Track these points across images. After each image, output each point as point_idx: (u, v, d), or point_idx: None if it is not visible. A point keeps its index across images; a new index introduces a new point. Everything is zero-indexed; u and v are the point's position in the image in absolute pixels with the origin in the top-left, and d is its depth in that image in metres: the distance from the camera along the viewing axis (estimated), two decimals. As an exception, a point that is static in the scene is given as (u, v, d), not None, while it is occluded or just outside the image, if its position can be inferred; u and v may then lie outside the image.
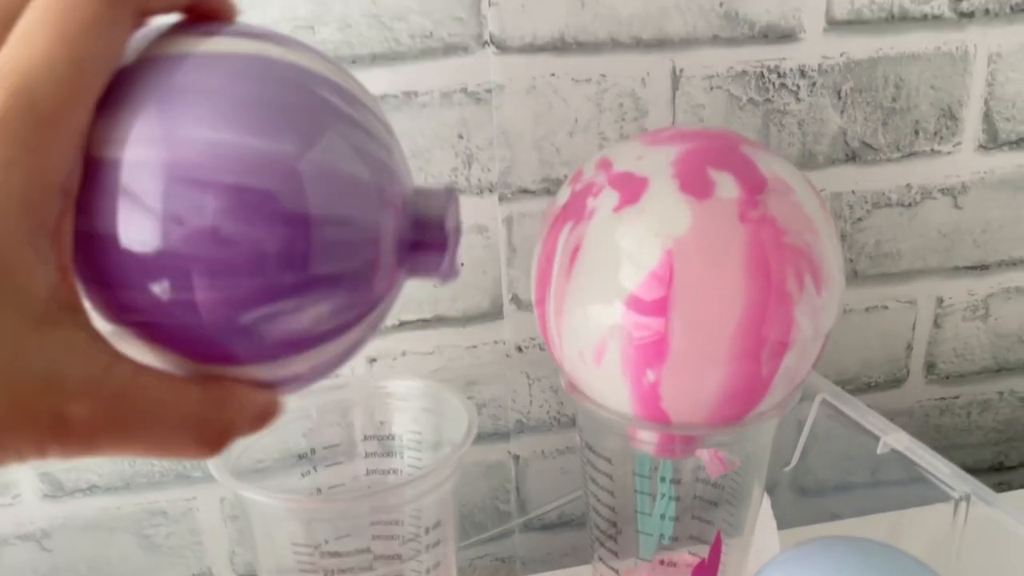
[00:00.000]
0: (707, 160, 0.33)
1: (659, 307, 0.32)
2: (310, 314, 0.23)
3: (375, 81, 0.49)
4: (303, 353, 0.23)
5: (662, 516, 0.41)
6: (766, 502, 0.44)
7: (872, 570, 0.33)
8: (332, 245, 0.22)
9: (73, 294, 0.21)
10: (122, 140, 0.21)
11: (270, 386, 0.24)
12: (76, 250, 0.21)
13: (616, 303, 0.33)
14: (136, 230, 0.21)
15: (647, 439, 0.37)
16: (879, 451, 0.40)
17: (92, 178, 0.21)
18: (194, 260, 0.21)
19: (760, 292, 0.31)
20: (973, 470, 0.68)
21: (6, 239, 0.19)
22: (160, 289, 0.21)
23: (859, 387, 0.64)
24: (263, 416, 0.24)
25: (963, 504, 0.37)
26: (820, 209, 0.34)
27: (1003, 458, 0.69)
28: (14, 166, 0.19)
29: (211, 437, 0.22)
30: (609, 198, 0.34)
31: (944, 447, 0.67)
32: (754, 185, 0.33)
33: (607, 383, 0.35)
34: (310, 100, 0.23)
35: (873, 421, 0.42)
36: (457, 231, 0.27)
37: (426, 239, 0.25)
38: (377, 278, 0.24)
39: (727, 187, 0.32)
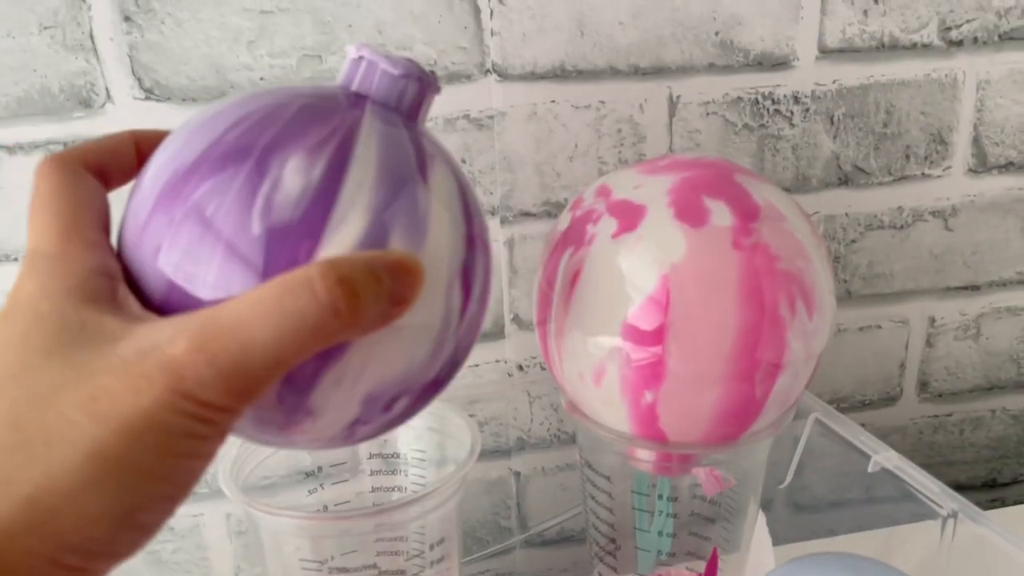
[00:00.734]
0: (702, 189, 0.35)
1: (656, 331, 0.33)
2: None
3: (380, 108, 0.50)
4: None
5: (660, 532, 0.42)
6: (761, 519, 0.45)
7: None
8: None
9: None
10: None
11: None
12: None
13: (615, 327, 0.34)
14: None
15: (645, 457, 0.38)
16: (870, 469, 0.41)
17: None
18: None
19: (754, 316, 0.33)
20: (966, 487, 0.70)
21: None
22: None
23: (853, 405, 0.65)
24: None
25: (951, 521, 0.38)
26: (812, 235, 0.36)
27: (996, 475, 0.70)
28: None
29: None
30: (608, 225, 0.35)
31: (938, 464, 0.68)
32: (747, 213, 0.34)
33: (606, 404, 0.36)
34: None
35: (864, 440, 0.43)
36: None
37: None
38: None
39: (721, 215, 0.34)
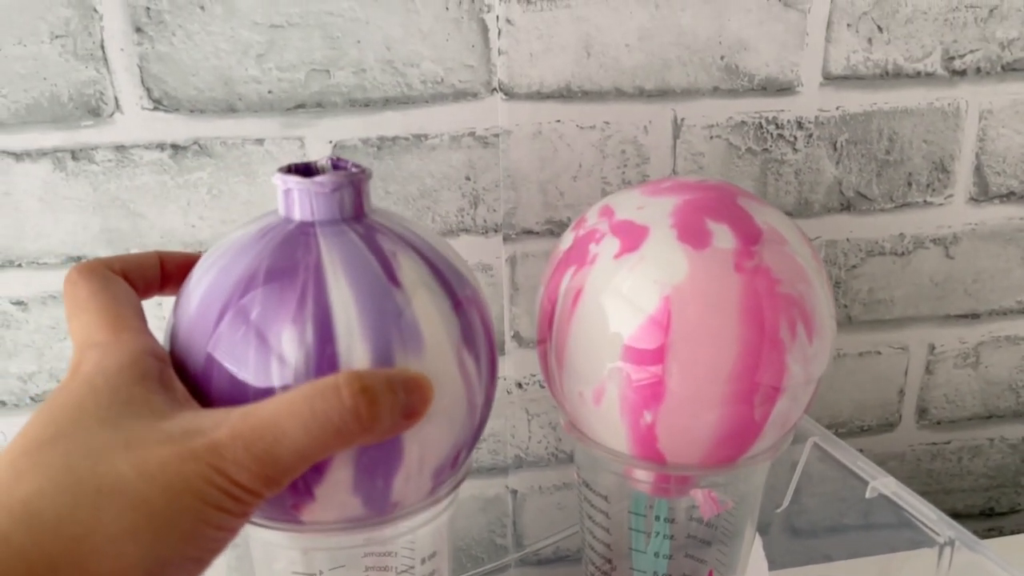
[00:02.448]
0: (705, 211, 0.35)
1: (657, 351, 0.33)
2: None
3: (387, 124, 0.51)
4: None
5: (656, 554, 0.42)
6: (758, 542, 0.45)
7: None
8: None
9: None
10: None
11: None
12: None
13: (615, 346, 0.34)
14: None
15: (643, 478, 0.38)
16: (867, 495, 0.41)
17: None
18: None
19: (754, 339, 0.33)
20: (964, 515, 0.69)
21: None
22: None
23: (852, 430, 0.65)
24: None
25: (947, 549, 0.38)
26: (813, 259, 0.36)
27: (994, 504, 0.70)
28: None
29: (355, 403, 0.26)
30: (610, 245, 0.35)
31: (936, 492, 0.68)
32: (749, 236, 0.34)
33: (605, 423, 0.36)
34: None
35: (862, 466, 0.43)
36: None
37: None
38: None
39: (724, 238, 0.34)
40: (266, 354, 0.29)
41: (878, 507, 0.43)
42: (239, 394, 0.29)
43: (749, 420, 0.34)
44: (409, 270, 0.31)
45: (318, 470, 0.30)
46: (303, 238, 0.31)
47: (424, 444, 0.31)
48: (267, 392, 0.29)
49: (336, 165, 0.33)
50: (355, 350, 0.29)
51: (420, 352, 0.30)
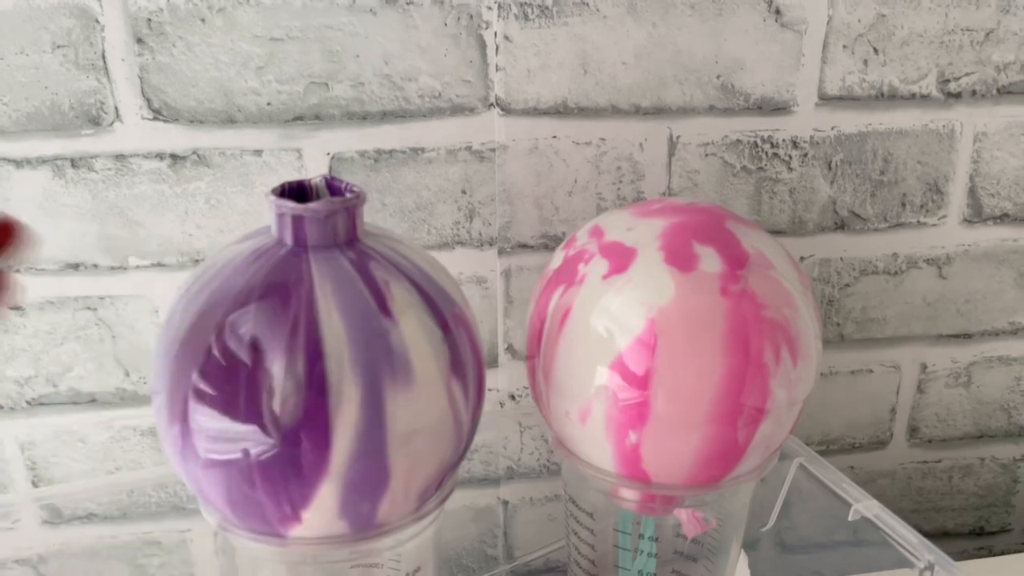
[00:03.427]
0: (693, 234, 0.35)
1: (642, 373, 0.33)
2: None
3: (384, 137, 0.51)
4: None
5: (640, 572, 0.42)
6: (743, 560, 0.45)
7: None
8: None
9: None
10: None
11: None
12: None
13: (602, 366, 0.34)
14: None
15: (629, 496, 0.38)
16: (850, 518, 0.42)
17: None
18: None
19: (738, 363, 0.33)
20: (954, 534, 0.70)
21: None
22: None
23: (843, 448, 0.65)
24: None
25: (927, 574, 0.38)
26: (799, 283, 0.36)
27: (984, 523, 0.70)
28: None
29: None
30: (599, 265, 0.36)
31: (926, 510, 0.68)
32: (736, 260, 0.35)
33: (591, 442, 0.36)
34: None
35: (846, 488, 0.43)
36: None
37: None
38: None
39: (710, 261, 0.34)
40: (258, 383, 0.29)
41: (863, 527, 0.43)
42: (230, 417, 0.30)
43: (733, 442, 0.34)
44: (401, 299, 0.32)
45: (304, 495, 0.31)
46: (295, 263, 0.31)
47: (411, 469, 0.32)
48: (257, 419, 0.29)
49: (331, 184, 0.33)
50: (345, 381, 0.30)
51: (410, 385, 0.31)
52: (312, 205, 0.31)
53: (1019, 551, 0.70)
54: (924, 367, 0.64)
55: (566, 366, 0.36)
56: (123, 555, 0.58)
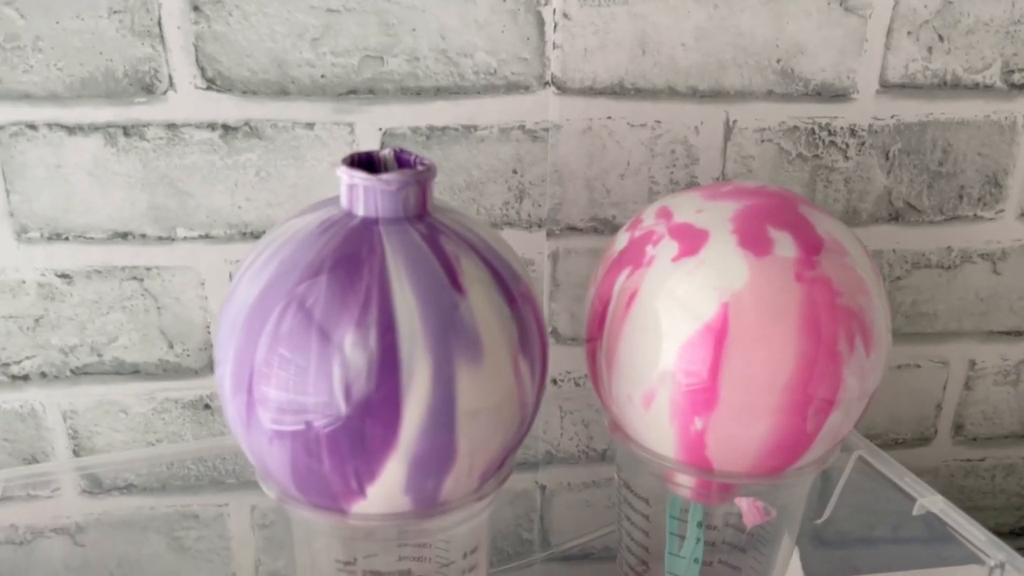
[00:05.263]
0: (766, 218, 0.34)
1: (712, 359, 0.33)
2: None
3: (438, 113, 0.51)
4: None
5: (694, 559, 0.41)
6: (796, 554, 0.44)
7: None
8: None
9: None
10: None
11: None
12: None
13: (669, 351, 0.34)
14: None
15: (685, 482, 0.38)
16: (915, 512, 0.41)
17: None
18: None
19: (811, 350, 0.32)
20: (994, 533, 0.69)
21: None
22: None
23: (887, 443, 0.64)
24: None
25: (997, 571, 0.38)
26: (872, 272, 0.35)
27: (1025, 524, 0.69)
28: None
29: None
30: (668, 248, 0.35)
31: (968, 508, 0.67)
32: (811, 245, 0.34)
33: (653, 427, 0.36)
34: None
35: (909, 482, 0.42)
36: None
37: None
38: None
39: (785, 246, 0.34)
40: (329, 355, 0.29)
41: (915, 522, 0.43)
42: (299, 389, 0.29)
43: (801, 432, 0.34)
44: (471, 274, 0.31)
45: (371, 470, 0.30)
46: (367, 235, 0.31)
47: (476, 447, 0.32)
48: (327, 391, 0.29)
49: (399, 158, 0.33)
50: (416, 356, 0.29)
51: (480, 360, 0.30)
52: (385, 176, 0.31)
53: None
54: (973, 364, 0.62)
55: (631, 349, 0.35)
56: (160, 527, 0.58)
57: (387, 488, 0.31)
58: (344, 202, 0.32)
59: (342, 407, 0.29)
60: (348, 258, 0.30)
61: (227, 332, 0.32)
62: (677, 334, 0.33)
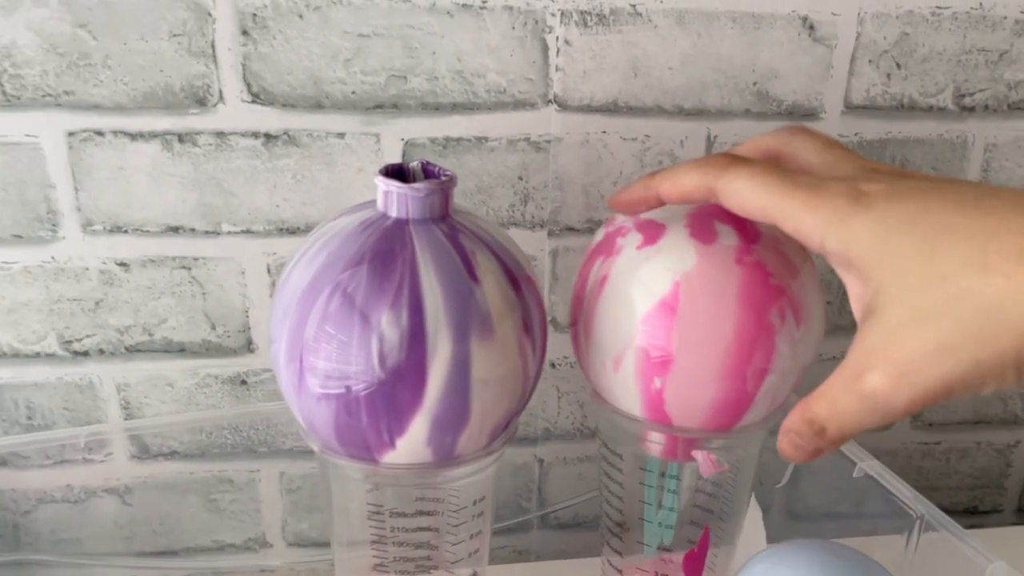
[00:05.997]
0: (714, 214, 0.41)
1: (667, 328, 0.40)
2: None
3: (453, 126, 0.58)
4: None
5: (661, 524, 0.48)
6: (758, 512, 0.51)
7: (842, 563, 0.41)
8: None
9: None
10: None
11: None
12: None
13: (633, 322, 0.40)
14: None
15: (655, 439, 0.44)
16: (855, 475, 0.48)
17: None
18: None
19: (749, 322, 0.39)
20: (949, 511, 0.75)
21: None
22: None
23: (852, 427, 0.71)
24: None
25: (918, 523, 0.44)
26: (806, 261, 0.42)
27: (978, 503, 0.75)
28: None
29: None
30: (634, 238, 0.42)
31: (924, 488, 0.74)
32: (750, 236, 0.40)
33: (622, 388, 0.42)
34: None
35: (854, 450, 0.49)
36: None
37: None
38: None
39: (728, 236, 0.40)
40: (367, 331, 0.36)
41: (867, 496, 0.49)
42: (343, 359, 0.36)
43: (742, 392, 0.40)
44: (485, 266, 0.38)
45: (401, 426, 0.37)
46: (399, 233, 0.38)
47: (486, 410, 0.39)
48: (366, 361, 0.36)
49: (425, 169, 0.40)
50: (439, 333, 0.36)
51: (491, 337, 0.37)
52: (416, 185, 0.38)
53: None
54: (930, 356, 0.69)
55: (603, 323, 0.42)
56: (199, 490, 0.65)
57: (412, 441, 0.38)
58: (380, 205, 0.39)
59: (378, 373, 0.36)
60: (384, 252, 0.37)
61: (281, 314, 0.38)
62: (639, 309, 0.40)
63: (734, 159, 0.35)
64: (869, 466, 0.48)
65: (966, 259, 0.28)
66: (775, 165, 0.35)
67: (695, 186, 0.36)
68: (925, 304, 0.29)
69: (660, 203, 0.39)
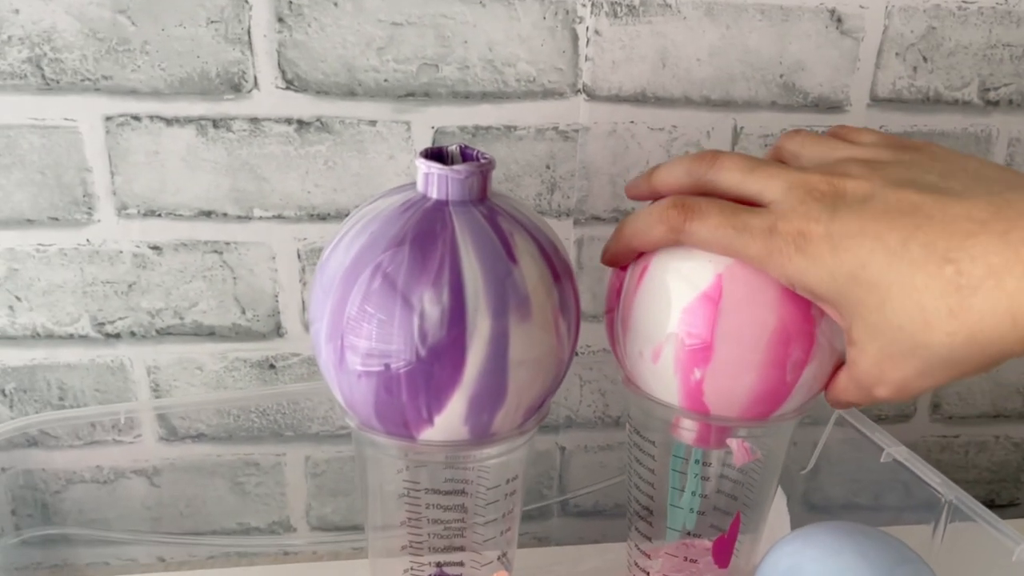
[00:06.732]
0: (757, 206, 0.42)
1: (709, 320, 0.40)
2: None
3: (483, 115, 0.58)
4: None
5: (689, 509, 0.49)
6: (782, 498, 0.52)
7: (872, 543, 0.42)
8: None
9: None
10: None
11: None
12: None
13: (674, 314, 0.41)
14: None
15: (688, 427, 0.45)
16: (883, 460, 0.48)
17: None
18: None
19: (789, 314, 0.40)
20: (967, 504, 0.76)
21: None
22: None
23: (870, 418, 0.71)
24: None
25: (946, 507, 0.45)
26: None
27: (994, 496, 0.76)
28: None
29: None
30: None
31: (942, 480, 0.75)
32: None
33: (661, 378, 0.43)
34: None
35: (880, 436, 0.50)
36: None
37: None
38: None
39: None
40: (409, 309, 0.36)
41: (891, 486, 0.50)
42: (385, 337, 0.37)
43: (782, 382, 0.41)
44: (523, 248, 0.39)
45: (439, 403, 0.38)
46: (439, 215, 0.38)
47: (522, 389, 0.39)
48: (407, 339, 0.36)
49: (463, 152, 0.41)
50: (479, 312, 0.37)
51: (528, 318, 0.38)
52: (457, 167, 0.39)
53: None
54: (950, 349, 0.70)
55: (642, 313, 0.43)
56: (225, 472, 0.66)
57: (450, 419, 0.39)
58: (420, 187, 0.40)
59: (419, 351, 0.37)
60: (425, 233, 0.38)
61: (322, 294, 0.39)
62: (680, 301, 0.41)
63: (691, 211, 0.39)
64: (897, 452, 0.48)
65: (912, 316, 0.33)
66: (730, 208, 0.38)
67: (661, 237, 0.40)
68: (892, 350, 0.35)
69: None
